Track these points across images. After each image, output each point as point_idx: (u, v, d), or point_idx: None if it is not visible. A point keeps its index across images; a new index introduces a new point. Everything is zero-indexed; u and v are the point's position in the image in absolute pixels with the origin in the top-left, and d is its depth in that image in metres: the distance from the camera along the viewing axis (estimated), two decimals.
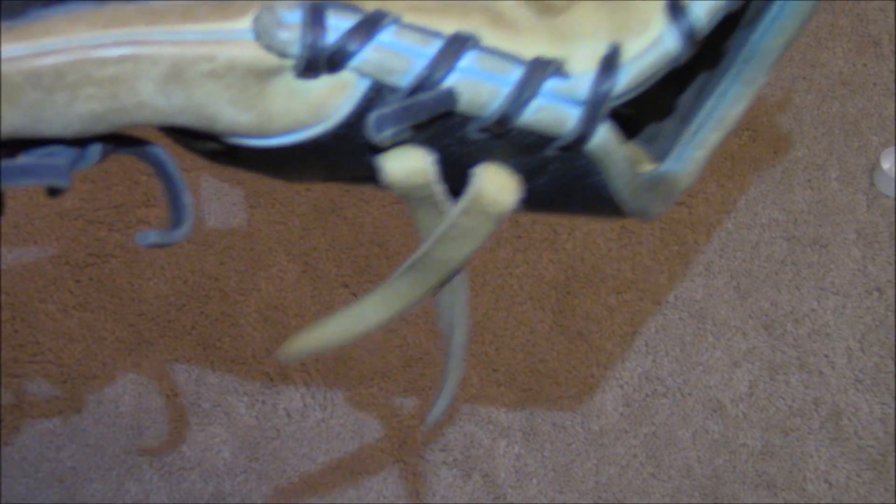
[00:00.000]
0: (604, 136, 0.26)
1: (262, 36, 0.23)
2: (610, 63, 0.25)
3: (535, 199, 0.29)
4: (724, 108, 0.31)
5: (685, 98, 0.33)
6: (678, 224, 1.10)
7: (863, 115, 1.16)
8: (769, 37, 0.30)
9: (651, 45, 0.25)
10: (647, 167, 0.32)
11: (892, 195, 1.11)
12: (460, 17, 0.25)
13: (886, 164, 1.10)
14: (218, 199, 1.08)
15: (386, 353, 1.02)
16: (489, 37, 0.25)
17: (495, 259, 1.07)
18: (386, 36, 0.24)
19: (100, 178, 1.08)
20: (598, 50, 0.25)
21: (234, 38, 0.24)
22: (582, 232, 1.09)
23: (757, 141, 1.15)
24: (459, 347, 0.31)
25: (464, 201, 0.27)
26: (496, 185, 0.26)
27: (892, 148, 1.11)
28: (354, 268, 1.06)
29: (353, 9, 0.24)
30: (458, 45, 0.24)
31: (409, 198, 0.27)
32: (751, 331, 1.04)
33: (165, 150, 0.28)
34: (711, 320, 1.04)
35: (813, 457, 0.98)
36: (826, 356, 1.03)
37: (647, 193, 0.29)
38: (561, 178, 0.28)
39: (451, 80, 0.24)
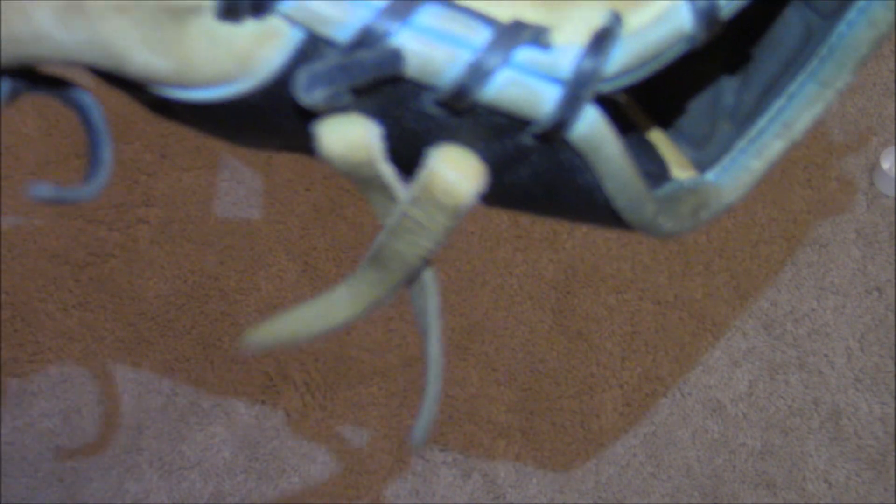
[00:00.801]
0: (591, 123, 0.21)
1: None
2: (604, 36, 0.20)
3: (514, 196, 0.24)
4: (791, 113, 0.26)
5: (746, 97, 0.28)
6: None
7: (863, 115, 1.16)
8: (856, 30, 0.25)
9: (658, 18, 0.21)
10: (685, 174, 0.27)
11: (892, 195, 1.11)
12: None
13: (886, 164, 1.10)
14: (218, 198, 1.08)
15: (386, 353, 1.02)
16: None
17: (495, 259, 1.07)
18: None
19: None
20: (593, 20, 0.21)
21: None
22: (582, 232, 1.09)
23: None
24: (437, 356, 0.27)
25: (414, 188, 0.22)
26: (453, 170, 0.22)
27: (892, 148, 1.11)
28: (354, 268, 1.06)
29: None
30: None
31: (353, 178, 0.23)
32: (751, 331, 1.04)
33: (91, 96, 0.24)
34: (711, 320, 1.04)
35: (813, 456, 0.98)
36: (826, 356, 1.03)
37: (660, 205, 0.25)
38: (543, 174, 0.23)
39: (401, 39, 0.20)
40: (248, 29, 0.21)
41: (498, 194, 0.24)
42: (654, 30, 0.21)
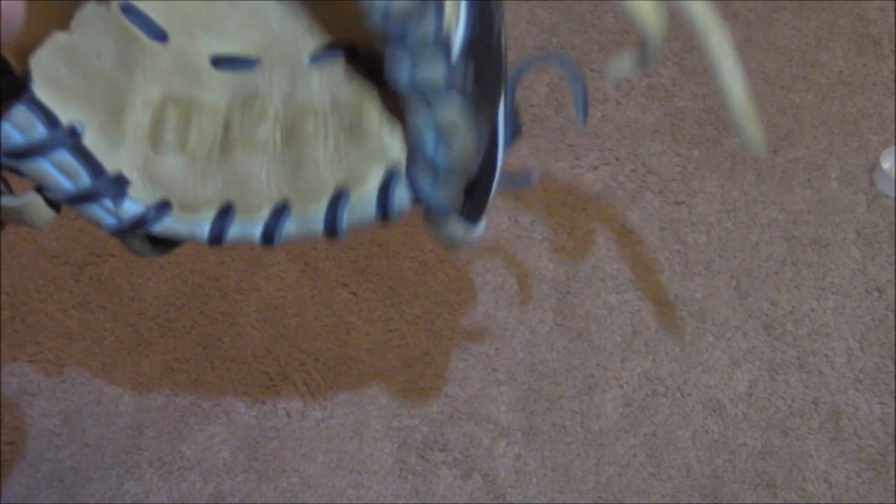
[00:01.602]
0: (135, 243, 0.34)
1: None
2: (154, 213, 0.33)
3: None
4: None
5: None
6: (678, 224, 1.10)
7: (863, 115, 1.16)
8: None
9: (189, 221, 0.33)
10: None
11: (892, 195, 1.11)
12: (84, 108, 0.31)
13: (886, 164, 1.10)
14: None
15: (386, 353, 1.02)
16: (94, 137, 0.31)
17: (495, 259, 1.07)
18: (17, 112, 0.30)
19: None
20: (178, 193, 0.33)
21: None
22: (582, 232, 1.09)
23: None
24: None
25: (16, 200, 0.34)
26: (35, 208, 0.34)
27: (892, 148, 1.11)
28: (354, 268, 1.06)
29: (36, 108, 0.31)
30: (57, 142, 0.31)
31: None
32: (751, 331, 1.04)
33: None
34: (711, 320, 1.04)
35: (813, 457, 0.98)
36: (826, 356, 1.03)
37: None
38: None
39: (39, 163, 0.31)
40: None
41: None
42: (184, 227, 0.33)
